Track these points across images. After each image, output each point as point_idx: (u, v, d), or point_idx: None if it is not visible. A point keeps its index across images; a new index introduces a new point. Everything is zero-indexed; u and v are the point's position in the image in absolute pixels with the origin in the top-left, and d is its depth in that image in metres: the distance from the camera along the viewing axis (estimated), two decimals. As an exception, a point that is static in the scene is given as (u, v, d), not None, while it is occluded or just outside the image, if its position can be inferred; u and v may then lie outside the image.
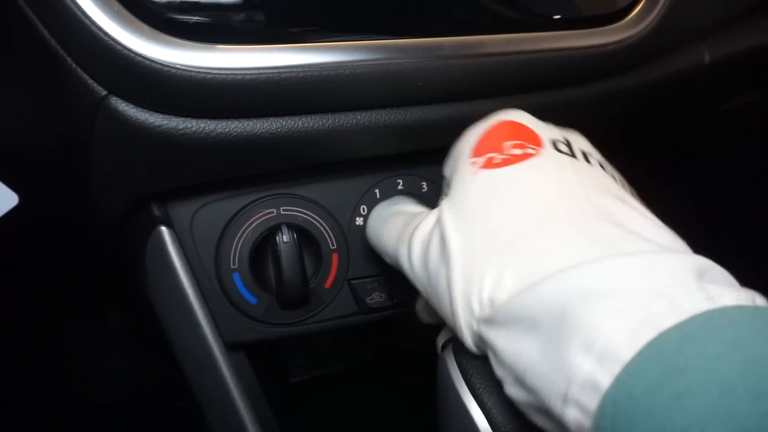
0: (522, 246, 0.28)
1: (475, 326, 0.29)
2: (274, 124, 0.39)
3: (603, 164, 0.34)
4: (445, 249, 0.30)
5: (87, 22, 0.32)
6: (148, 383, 0.97)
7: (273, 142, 0.39)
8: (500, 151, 0.32)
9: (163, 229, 0.45)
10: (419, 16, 0.39)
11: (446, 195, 0.34)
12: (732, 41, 0.60)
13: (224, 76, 0.34)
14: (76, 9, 0.32)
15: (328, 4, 0.36)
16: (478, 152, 0.33)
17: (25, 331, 0.92)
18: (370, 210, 0.50)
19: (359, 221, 0.50)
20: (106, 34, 0.32)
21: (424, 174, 0.52)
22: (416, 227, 0.34)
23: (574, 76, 0.47)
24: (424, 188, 0.52)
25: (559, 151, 0.32)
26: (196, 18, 0.34)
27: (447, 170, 0.37)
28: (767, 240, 1.08)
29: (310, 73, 0.36)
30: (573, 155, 0.32)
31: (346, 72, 0.37)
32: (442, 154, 0.52)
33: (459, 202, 0.31)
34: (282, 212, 0.47)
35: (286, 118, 0.39)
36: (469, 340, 0.31)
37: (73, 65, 0.34)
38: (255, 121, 0.38)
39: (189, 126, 0.37)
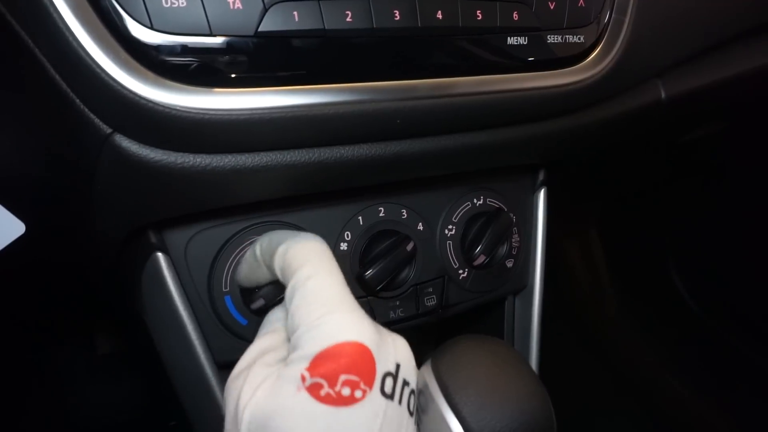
0: None
1: None
2: (265, 158, 0.42)
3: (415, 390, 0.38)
4: None
5: (96, 68, 0.35)
6: (136, 407, 0.98)
7: (263, 174, 0.43)
8: (332, 383, 0.32)
9: (159, 255, 0.48)
10: (397, 61, 0.43)
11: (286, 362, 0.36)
12: (687, 78, 0.64)
13: (220, 117, 0.38)
14: (86, 56, 0.35)
15: (315, 51, 0.40)
16: (314, 367, 0.33)
17: (14, 358, 0.92)
18: (354, 236, 0.54)
19: (344, 246, 0.54)
20: (114, 79, 0.35)
21: (403, 202, 0.56)
22: (247, 373, 0.37)
23: (539, 113, 0.51)
24: (404, 215, 0.56)
25: (384, 394, 0.34)
26: (195, 64, 0.37)
27: (294, 332, 0.37)
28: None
29: (298, 113, 0.40)
30: (392, 396, 0.34)
31: (331, 112, 0.41)
32: (420, 183, 0.56)
33: (269, 413, 0.33)
34: (271, 238, 0.51)
35: (276, 152, 0.42)
36: None
37: (82, 106, 0.38)
38: (247, 155, 0.42)
39: (186, 160, 0.40)
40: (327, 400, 0.32)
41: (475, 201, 0.60)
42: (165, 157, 0.40)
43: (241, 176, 0.42)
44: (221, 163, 0.41)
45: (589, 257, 1.43)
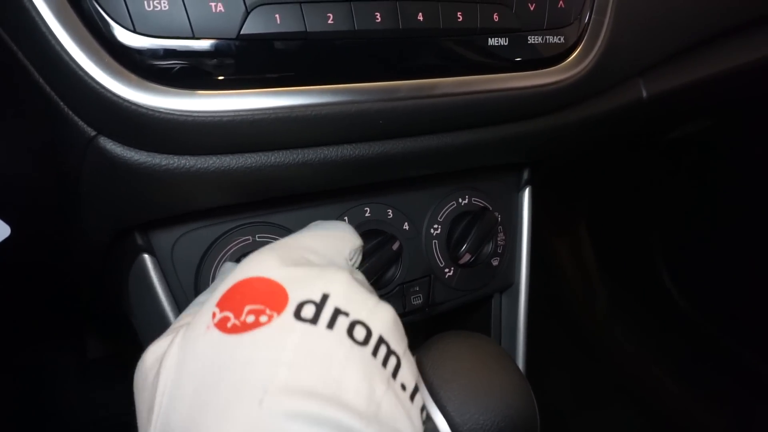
0: None
1: None
2: (249, 160, 0.42)
3: (358, 321, 0.33)
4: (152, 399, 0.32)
5: (79, 72, 0.35)
6: (128, 411, 0.98)
7: (248, 175, 0.43)
8: (237, 314, 0.32)
9: (146, 256, 0.48)
10: (379, 62, 0.43)
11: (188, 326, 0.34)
12: (668, 77, 0.65)
13: (204, 119, 0.38)
14: (69, 60, 0.35)
15: (297, 53, 0.40)
16: (222, 303, 0.33)
17: (4, 361, 0.92)
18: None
19: (330, 246, 0.54)
20: (97, 82, 0.36)
21: (389, 202, 0.57)
22: (155, 344, 0.35)
23: (521, 113, 0.52)
24: (389, 215, 0.57)
25: (299, 318, 0.32)
26: (179, 67, 0.38)
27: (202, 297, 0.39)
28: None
29: (281, 115, 0.40)
30: (314, 320, 0.32)
31: (313, 113, 0.41)
32: (405, 183, 0.57)
33: (183, 358, 0.32)
34: (257, 239, 0.51)
35: (260, 153, 0.43)
36: None
37: (66, 109, 0.38)
38: (231, 157, 0.42)
39: (171, 162, 0.41)
40: (232, 329, 0.31)
41: (460, 200, 0.60)
42: (149, 159, 0.40)
43: (226, 178, 0.43)
44: (205, 165, 0.41)
45: (578, 255, 1.44)
